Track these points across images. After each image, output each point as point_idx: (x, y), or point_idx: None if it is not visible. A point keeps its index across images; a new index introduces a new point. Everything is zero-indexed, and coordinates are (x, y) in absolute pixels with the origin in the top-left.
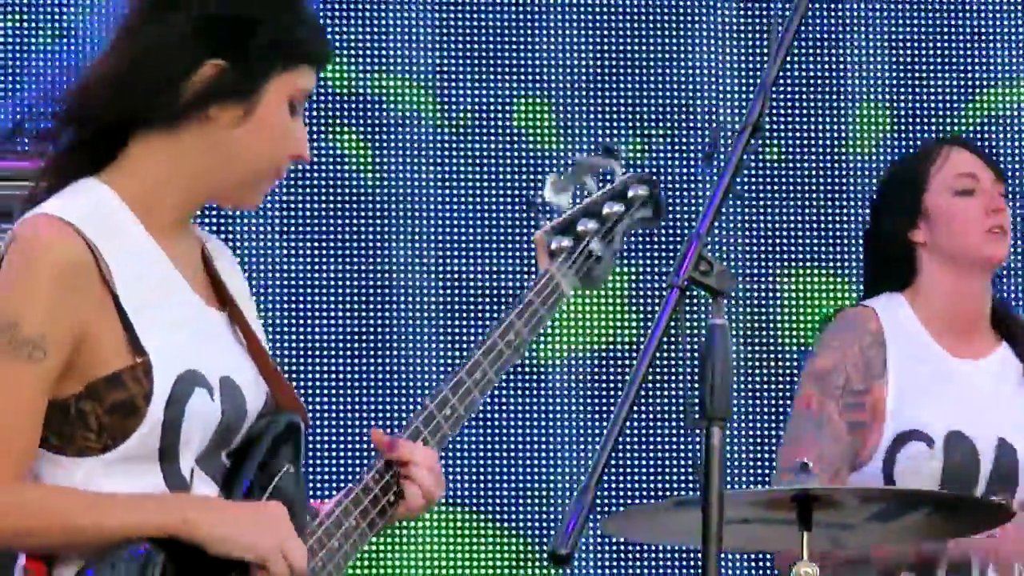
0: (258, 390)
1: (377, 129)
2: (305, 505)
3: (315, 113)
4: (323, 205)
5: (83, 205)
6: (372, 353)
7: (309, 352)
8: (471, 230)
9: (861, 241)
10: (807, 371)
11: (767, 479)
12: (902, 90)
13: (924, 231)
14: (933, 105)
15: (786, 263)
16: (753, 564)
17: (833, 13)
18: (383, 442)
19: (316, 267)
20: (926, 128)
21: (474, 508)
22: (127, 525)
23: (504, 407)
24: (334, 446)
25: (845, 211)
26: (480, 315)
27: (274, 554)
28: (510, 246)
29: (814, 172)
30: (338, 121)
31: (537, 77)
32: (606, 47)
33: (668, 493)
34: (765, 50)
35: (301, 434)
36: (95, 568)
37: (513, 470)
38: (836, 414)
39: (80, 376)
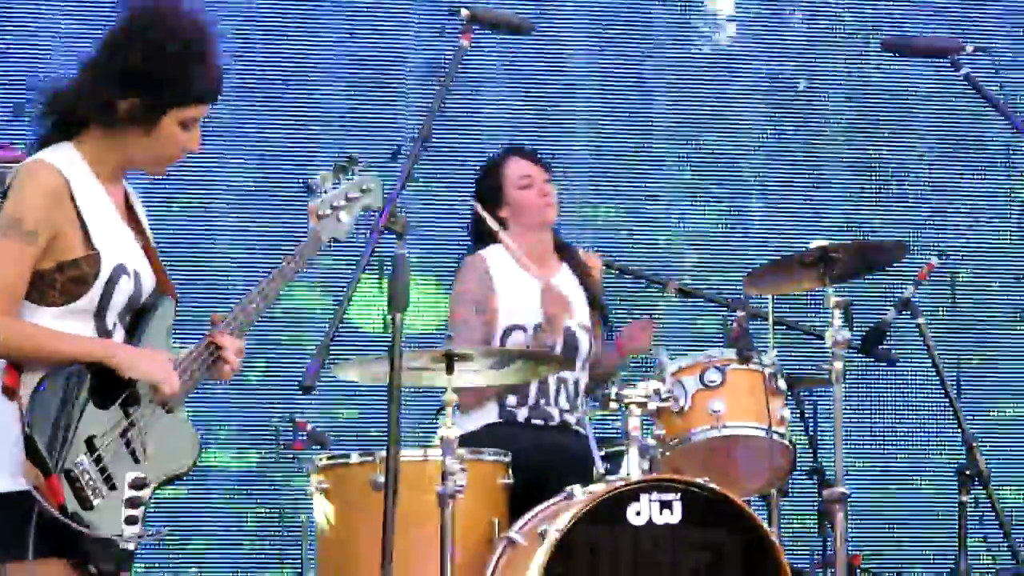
0: (151, 279)
1: None
2: (168, 351)
3: None
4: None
5: (62, 158)
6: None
7: None
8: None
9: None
10: (453, 295)
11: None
12: None
13: (506, 210)
14: None
15: None
16: (425, 396)
17: None
18: (215, 333)
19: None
20: None
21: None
22: (74, 352)
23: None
24: None
25: None
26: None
27: (164, 378)
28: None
29: None
30: None
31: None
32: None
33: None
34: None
35: (172, 308)
36: (49, 377)
37: (274, 334)
38: (475, 319)
39: (53, 257)
